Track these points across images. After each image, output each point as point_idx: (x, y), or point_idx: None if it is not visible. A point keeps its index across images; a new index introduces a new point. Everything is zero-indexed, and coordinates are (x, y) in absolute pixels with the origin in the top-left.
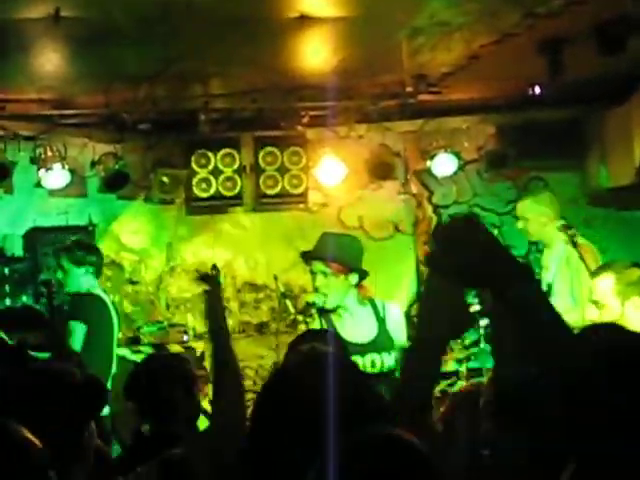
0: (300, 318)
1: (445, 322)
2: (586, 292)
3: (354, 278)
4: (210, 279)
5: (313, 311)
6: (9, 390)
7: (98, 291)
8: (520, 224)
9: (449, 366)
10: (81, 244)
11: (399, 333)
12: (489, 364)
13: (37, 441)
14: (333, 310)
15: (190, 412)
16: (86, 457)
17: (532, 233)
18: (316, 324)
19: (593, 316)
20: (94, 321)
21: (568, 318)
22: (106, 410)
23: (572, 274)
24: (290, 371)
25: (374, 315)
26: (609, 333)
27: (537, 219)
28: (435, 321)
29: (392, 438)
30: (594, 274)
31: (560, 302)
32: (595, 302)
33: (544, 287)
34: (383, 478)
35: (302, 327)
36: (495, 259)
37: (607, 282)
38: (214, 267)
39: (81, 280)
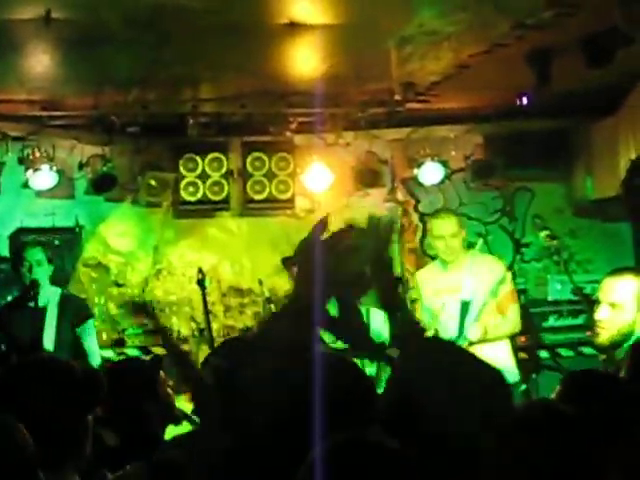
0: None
1: None
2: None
3: None
4: (148, 312)
5: None
6: (7, 382)
7: None
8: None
9: None
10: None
11: (382, 339)
12: None
13: (30, 440)
14: None
15: (159, 414)
16: (81, 452)
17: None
18: None
19: (604, 316)
20: None
21: (499, 332)
22: None
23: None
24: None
25: None
26: None
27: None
28: None
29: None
30: (613, 275)
31: (487, 318)
32: (611, 303)
33: (459, 305)
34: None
35: None
36: None
37: (630, 285)
38: (200, 271)
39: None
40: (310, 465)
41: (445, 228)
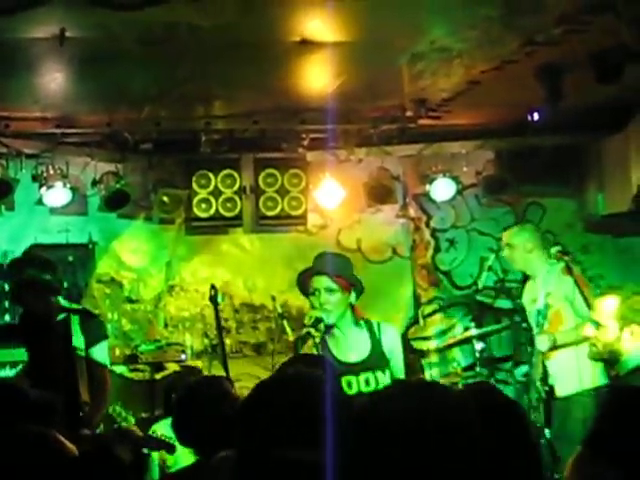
0: (313, 331)
1: None
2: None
3: (353, 296)
4: None
5: (321, 326)
6: None
7: None
8: (506, 252)
9: None
10: None
11: (395, 354)
12: None
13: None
14: (331, 327)
15: None
16: None
17: (517, 261)
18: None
19: (589, 334)
20: None
21: (568, 338)
22: None
23: (569, 299)
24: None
25: (369, 335)
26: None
27: (523, 245)
28: None
29: None
30: (599, 295)
31: (555, 326)
32: (595, 322)
33: (535, 316)
34: None
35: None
36: None
37: (610, 304)
38: (212, 287)
39: None
40: None
41: (504, 237)
